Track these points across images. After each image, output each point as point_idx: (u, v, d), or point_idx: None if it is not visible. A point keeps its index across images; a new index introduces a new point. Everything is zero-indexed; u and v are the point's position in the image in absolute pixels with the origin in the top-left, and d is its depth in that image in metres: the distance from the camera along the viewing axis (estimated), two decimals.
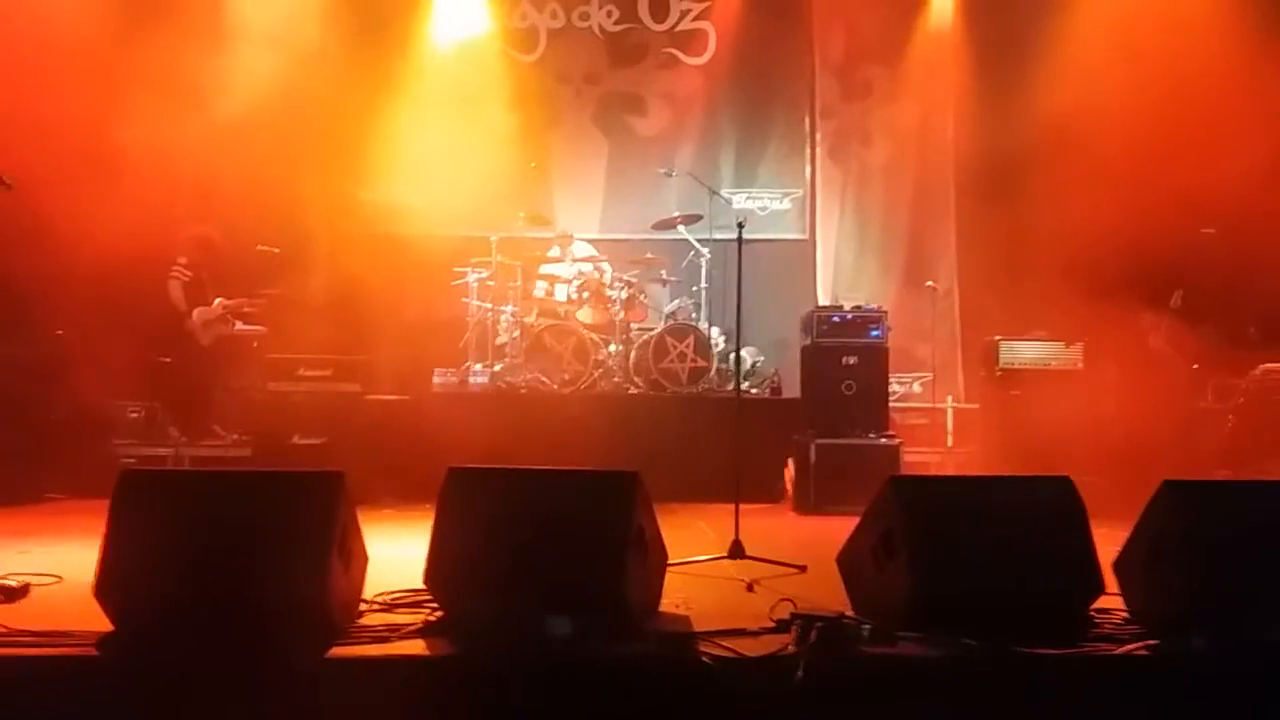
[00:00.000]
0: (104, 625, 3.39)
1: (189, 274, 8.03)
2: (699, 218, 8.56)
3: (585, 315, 8.39)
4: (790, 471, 7.11)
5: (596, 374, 8.03)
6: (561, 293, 8.50)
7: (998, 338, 7.64)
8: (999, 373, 7.55)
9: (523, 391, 7.90)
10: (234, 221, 8.20)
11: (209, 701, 3.06)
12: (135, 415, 7.96)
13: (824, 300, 9.35)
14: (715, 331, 8.13)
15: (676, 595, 4.00)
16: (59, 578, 4.13)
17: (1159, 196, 7.03)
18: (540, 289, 8.64)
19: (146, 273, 7.81)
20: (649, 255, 8.61)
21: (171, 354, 7.95)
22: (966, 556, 3.51)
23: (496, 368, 8.19)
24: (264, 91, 8.02)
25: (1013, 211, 8.57)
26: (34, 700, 3.11)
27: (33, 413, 7.01)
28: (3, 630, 3.44)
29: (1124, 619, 3.56)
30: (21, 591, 3.92)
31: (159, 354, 7.91)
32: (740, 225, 5.24)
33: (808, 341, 7.34)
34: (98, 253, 6.74)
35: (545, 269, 8.66)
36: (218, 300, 8.05)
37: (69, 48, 7.14)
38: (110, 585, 3.41)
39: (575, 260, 8.65)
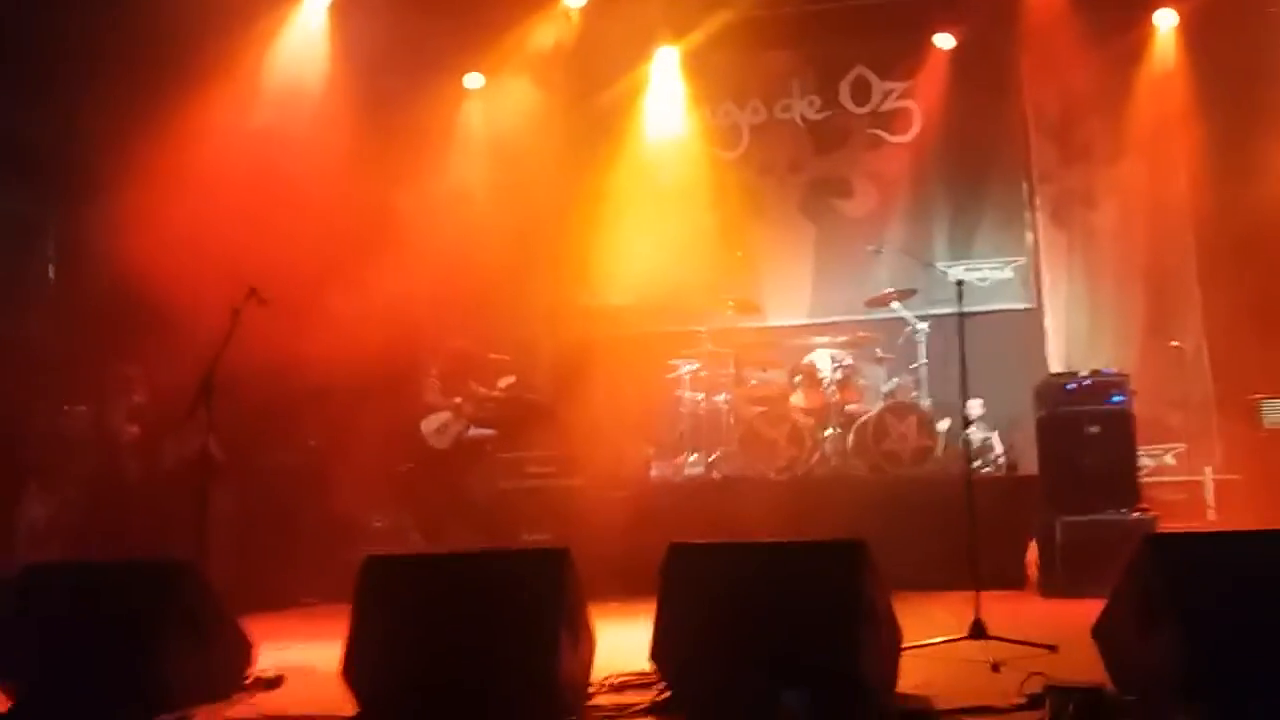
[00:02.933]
0: (351, 709, 3.53)
1: (439, 384, 8.50)
2: (913, 292, 8.34)
3: (799, 400, 8.28)
4: (1033, 554, 6.64)
5: (814, 459, 7.86)
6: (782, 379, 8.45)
7: (1259, 396, 6.96)
8: (1264, 434, 6.84)
9: (739, 480, 7.82)
10: (470, 329, 8.67)
11: None
12: (380, 525, 8.39)
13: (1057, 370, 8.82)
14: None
15: (915, 676, 3.77)
16: (313, 668, 4.35)
17: None
18: (754, 378, 8.61)
19: (396, 384, 8.30)
20: (860, 333, 8.44)
21: (413, 461, 8.39)
22: (1240, 619, 3.13)
23: (712, 458, 8.17)
24: (490, 202, 8.54)
25: (1261, 263, 7.90)
26: None
27: (289, 521, 7.54)
28: (264, 715, 3.66)
29: None
30: (277, 681, 4.16)
31: (404, 462, 8.36)
32: (959, 284, 5.05)
33: (1043, 413, 6.90)
34: (351, 366, 7.22)
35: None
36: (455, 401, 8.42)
37: (317, 173, 7.83)
38: (355, 666, 3.56)
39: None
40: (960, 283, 5.13)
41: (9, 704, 3.71)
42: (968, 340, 5.13)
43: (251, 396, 6.78)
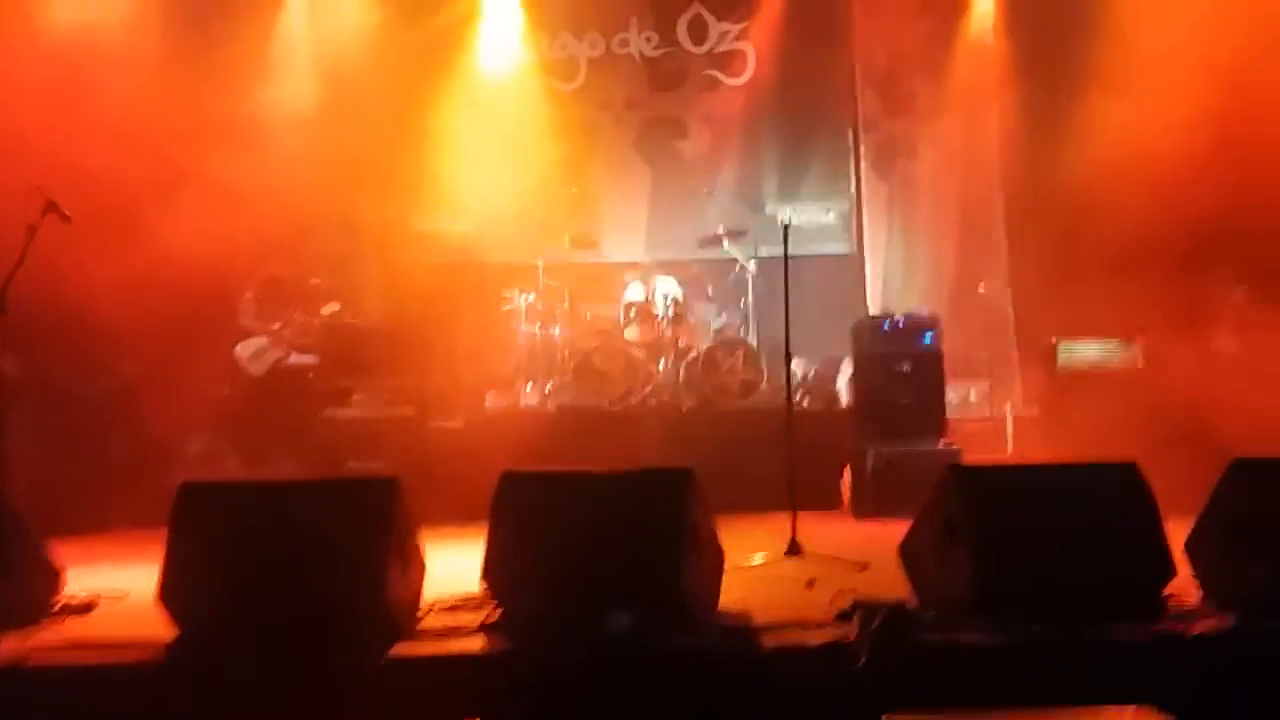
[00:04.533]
0: (169, 634, 3.44)
1: (255, 308, 8.18)
2: (744, 233, 8.57)
3: (633, 334, 8.41)
4: (847, 479, 7.03)
5: (646, 391, 8.03)
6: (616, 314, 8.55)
7: (1055, 339, 7.51)
8: (1058, 374, 7.41)
9: (573, 411, 7.92)
10: (293, 252, 8.35)
11: (273, 701, 3.08)
12: (197, 449, 8.09)
13: (875, 313, 9.27)
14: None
15: (735, 594, 3.96)
16: (125, 593, 4.20)
17: (1220, 192, 6.91)
18: (589, 313, 8.69)
19: (210, 308, 7.94)
20: (693, 271, 8.62)
21: (229, 387, 8.09)
22: (1030, 542, 3.44)
23: (547, 389, 8.22)
24: (314, 123, 8.20)
25: (1062, 217, 8.46)
26: (105, 704, 3.16)
27: (98, 447, 7.16)
28: (73, 641, 3.52)
29: (1197, 601, 3.46)
30: (88, 606, 4.00)
31: (221, 388, 8.05)
32: (785, 227, 5.24)
33: (859, 351, 7.28)
34: (161, 286, 6.88)
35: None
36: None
37: (125, 84, 7.33)
38: (174, 592, 3.47)
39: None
40: (786, 226, 5.30)
41: None
42: (792, 281, 5.34)
43: (54, 318, 6.39)
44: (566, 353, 8.31)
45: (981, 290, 8.85)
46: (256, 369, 8.18)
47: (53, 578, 3.98)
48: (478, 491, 4.24)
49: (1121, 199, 7.59)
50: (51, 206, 4.96)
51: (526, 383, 8.35)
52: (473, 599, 3.80)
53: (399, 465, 7.03)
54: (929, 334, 7.09)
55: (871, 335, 7.17)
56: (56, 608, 3.90)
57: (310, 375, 8.20)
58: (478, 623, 3.53)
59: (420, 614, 3.72)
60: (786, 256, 5.35)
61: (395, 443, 7.40)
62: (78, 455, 6.90)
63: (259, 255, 8.25)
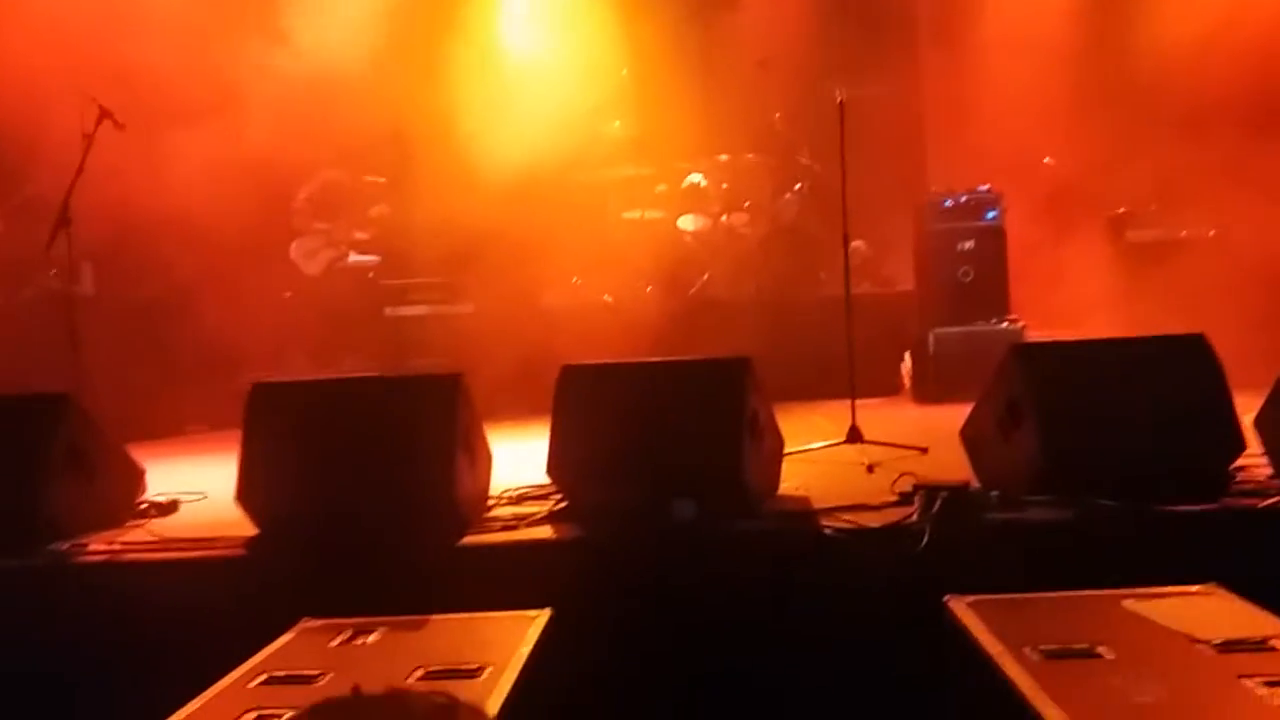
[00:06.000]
0: (249, 531, 3.58)
1: (308, 208, 8.24)
2: (797, 114, 8.34)
3: (687, 224, 8.31)
4: (907, 364, 6.98)
5: (703, 280, 7.98)
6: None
7: (1123, 210, 7.29)
8: (1127, 247, 7.21)
9: (630, 303, 7.90)
10: (347, 154, 8.35)
11: (350, 592, 3.20)
12: (263, 352, 8.26)
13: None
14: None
15: (795, 480, 3.99)
16: (204, 494, 4.36)
17: None
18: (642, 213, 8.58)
19: (272, 210, 8.00)
20: (748, 155, 8.45)
21: (291, 289, 8.21)
22: (1096, 418, 3.39)
23: (603, 282, 8.20)
24: (369, 26, 8.05)
25: (1134, 85, 8.11)
26: (192, 598, 3.30)
27: (167, 352, 7.35)
28: (159, 539, 3.67)
29: (1269, 475, 3.41)
30: (171, 507, 4.16)
31: (284, 289, 8.18)
32: (841, 104, 5.08)
33: (920, 230, 7.13)
34: (222, 190, 6.92)
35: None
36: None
37: None
38: (251, 491, 3.58)
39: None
40: (842, 103, 5.15)
41: None
42: (850, 162, 5.20)
43: (118, 227, 6.49)
44: (622, 244, 8.25)
45: (1048, 162, 8.56)
46: (312, 269, 8.29)
47: (136, 480, 4.14)
48: (536, 386, 4.31)
49: (1195, 67, 7.25)
50: (106, 114, 4.99)
51: (583, 277, 8.33)
52: (538, 490, 3.88)
53: (458, 361, 7.12)
54: (992, 210, 6.91)
55: (933, 213, 7.02)
56: (140, 508, 4.06)
57: (370, 274, 8.29)
58: (545, 512, 3.61)
59: (489, 505, 3.82)
60: (843, 135, 5.20)
61: (455, 339, 7.48)
62: (148, 362, 7.08)
63: (315, 157, 8.28)
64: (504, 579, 3.23)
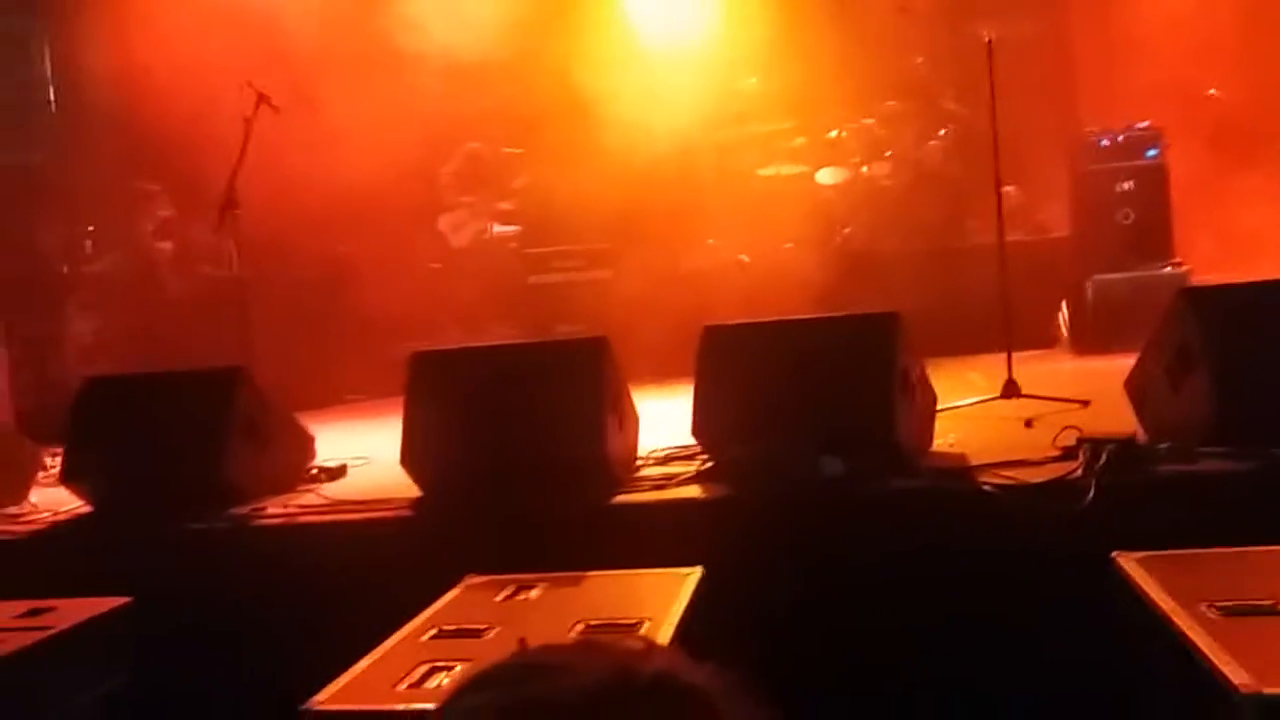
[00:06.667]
0: (413, 492, 3.73)
1: (454, 182, 8.46)
2: (940, 59, 8.06)
3: (826, 177, 8.16)
4: (1064, 314, 6.69)
5: (845, 234, 7.83)
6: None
7: None
8: None
9: (770, 260, 7.82)
10: (489, 127, 8.51)
11: (511, 549, 3.30)
12: (416, 320, 8.53)
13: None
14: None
15: (948, 436, 3.90)
16: (368, 458, 4.56)
17: None
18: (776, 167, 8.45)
19: (418, 186, 8.24)
20: (889, 102, 8.21)
21: (440, 260, 8.47)
22: (1273, 363, 3.19)
23: (741, 243, 8.13)
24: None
25: None
26: (364, 557, 3.48)
27: (325, 326, 7.70)
28: (330, 502, 3.87)
29: None
30: (340, 471, 4.37)
31: (432, 262, 8.44)
32: (990, 42, 4.88)
33: (1076, 171, 6.80)
34: (371, 169, 7.16)
35: None
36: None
37: None
38: (414, 454, 3.73)
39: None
40: (990, 41, 4.94)
41: (90, 507, 3.94)
42: (999, 103, 5.00)
43: (277, 208, 6.78)
44: (761, 200, 8.16)
45: (1212, 94, 8.03)
46: (459, 241, 8.51)
47: (306, 447, 4.36)
48: (678, 349, 4.33)
49: None
50: (263, 98, 5.20)
51: (719, 239, 8.29)
52: (685, 450, 3.91)
53: (600, 327, 7.20)
54: (1153, 148, 6.54)
55: (1089, 154, 6.69)
56: (311, 473, 4.27)
57: (513, 244, 8.46)
58: (692, 472, 3.64)
59: (637, 465, 3.88)
60: (992, 77, 4.99)
61: (596, 305, 7.57)
62: (309, 335, 7.43)
63: (458, 132, 8.47)
64: (655, 537, 3.28)
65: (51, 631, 2.72)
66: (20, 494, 4.26)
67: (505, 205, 8.52)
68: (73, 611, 2.84)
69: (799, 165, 8.26)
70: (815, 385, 3.56)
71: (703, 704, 0.71)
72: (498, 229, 8.54)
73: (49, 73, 8.95)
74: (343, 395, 7.52)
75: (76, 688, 2.77)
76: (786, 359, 3.65)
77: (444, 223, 8.45)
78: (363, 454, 4.60)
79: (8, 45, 8.94)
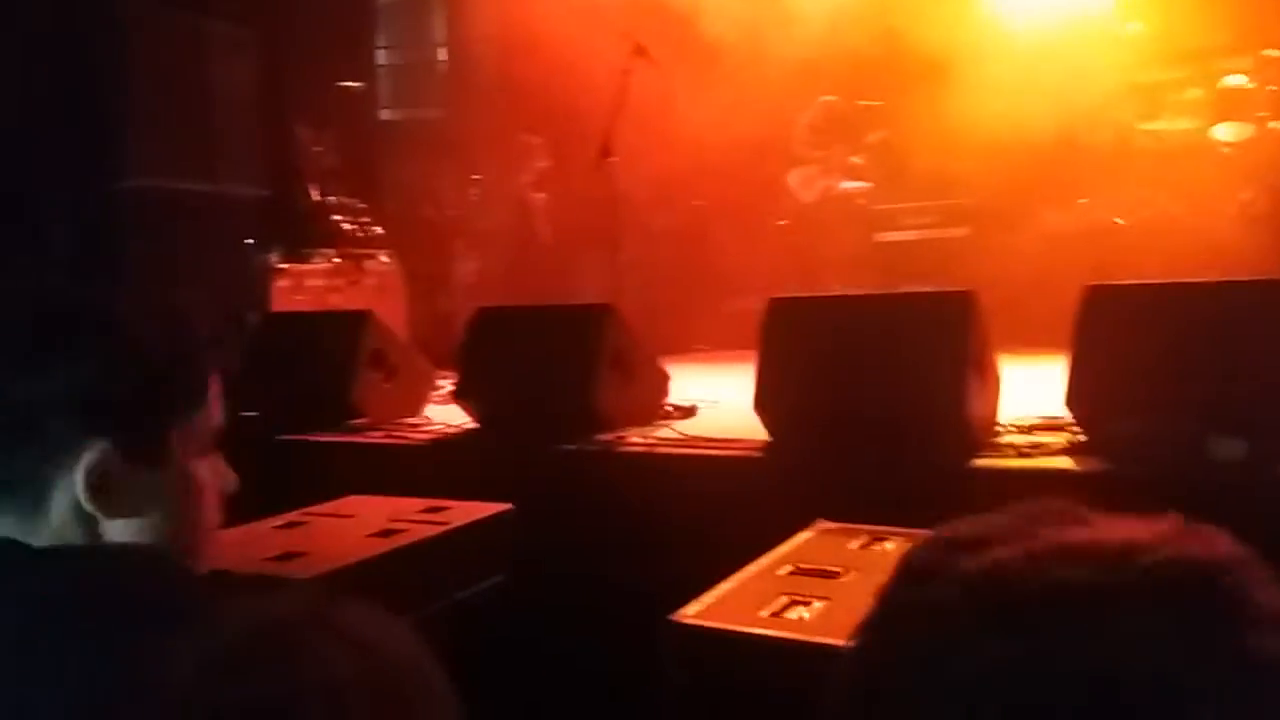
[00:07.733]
0: (762, 436, 3.79)
1: (808, 136, 8.44)
2: None
3: (1224, 133, 7.27)
4: None
5: (1245, 198, 6.98)
6: None
7: None
8: None
9: (1156, 222, 7.13)
10: (844, 78, 8.40)
11: (859, 499, 3.27)
12: (760, 275, 8.62)
13: None
14: None
15: None
16: (717, 401, 4.69)
17: None
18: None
19: (768, 138, 8.30)
20: None
21: (787, 215, 8.49)
22: None
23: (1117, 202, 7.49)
24: None
25: None
26: (712, 491, 3.59)
27: (681, 276, 7.98)
28: (684, 437, 4.03)
29: None
30: (691, 410, 4.53)
31: (780, 216, 8.49)
32: None
33: None
34: (726, 119, 7.29)
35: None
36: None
37: None
38: (767, 400, 3.78)
39: None
40: None
41: (477, 423, 4.35)
42: None
43: (646, 156, 7.07)
44: (1137, 157, 7.48)
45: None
46: (807, 196, 8.47)
47: (661, 384, 4.56)
48: (1048, 311, 4.06)
49: None
50: (640, 50, 5.42)
51: (1089, 199, 7.68)
52: (1052, 421, 3.68)
53: (951, 286, 6.93)
54: None
55: None
56: (666, 410, 4.46)
57: (860, 201, 8.32)
58: (1064, 443, 3.42)
59: (997, 430, 3.70)
60: None
61: (946, 263, 7.29)
62: (666, 283, 7.72)
63: (814, 85, 8.42)
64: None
65: (447, 527, 3.02)
66: (417, 408, 4.80)
67: (856, 159, 8.37)
68: (463, 512, 3.15)
69: (1190, 119, 7.46)
70: (1214, 357, 3.22)
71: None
72: (845, 184, 8.42)
73: (441, 35, 9.87)
74: (689, 345, 7.78)
75: (464, 580, 3.07)
76: (1181, 325, 3.31)
77: (794, 177, 8.46)
78: (712, 398, 4.74)
79: (405, 14, 9.95)
